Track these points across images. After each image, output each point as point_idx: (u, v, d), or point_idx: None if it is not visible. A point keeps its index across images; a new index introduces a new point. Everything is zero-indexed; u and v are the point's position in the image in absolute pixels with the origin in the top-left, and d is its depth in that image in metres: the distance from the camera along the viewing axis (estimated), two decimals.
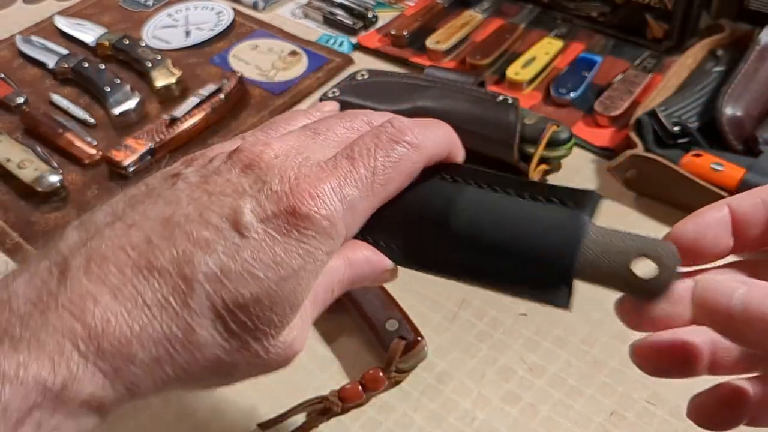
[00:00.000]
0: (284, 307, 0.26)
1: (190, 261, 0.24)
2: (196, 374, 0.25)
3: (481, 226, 0.28)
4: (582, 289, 0.48)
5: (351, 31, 0.72)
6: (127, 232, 0.25)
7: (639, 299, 0.26)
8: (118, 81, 0.65)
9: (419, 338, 0.41)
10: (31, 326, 0.23)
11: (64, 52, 0.70)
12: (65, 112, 0.64)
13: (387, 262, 0.30)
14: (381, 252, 0.29)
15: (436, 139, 0.30)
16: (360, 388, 0.40)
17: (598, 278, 0.27)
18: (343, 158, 0.27)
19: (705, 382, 0.40)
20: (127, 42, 0.69)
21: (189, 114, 0.60)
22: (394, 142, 0.28)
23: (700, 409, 0.28)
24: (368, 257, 0.29)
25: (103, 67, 0.67)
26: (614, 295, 0.47)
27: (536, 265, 0.27)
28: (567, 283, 0.27)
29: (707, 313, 0.24)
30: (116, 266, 0.24)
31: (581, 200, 0.27)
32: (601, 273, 0.26)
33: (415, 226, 0.29)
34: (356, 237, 0.29)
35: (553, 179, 0.53)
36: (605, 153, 0.55)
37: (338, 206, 0.26)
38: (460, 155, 0.32)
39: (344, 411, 0.41)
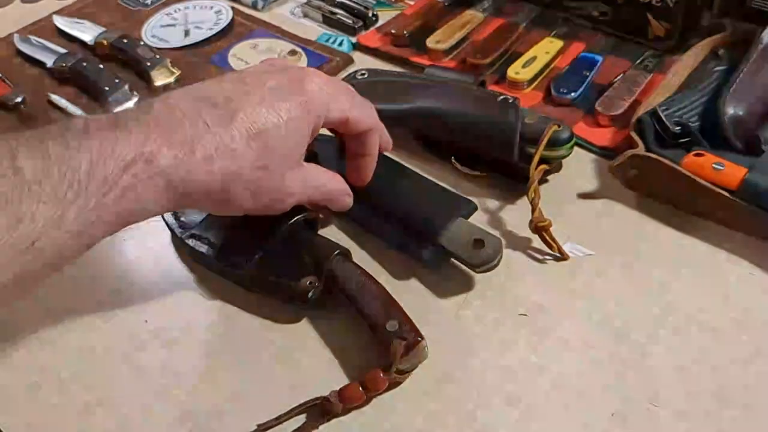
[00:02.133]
0: (290, 145, 0.41)
1: (235, 99, 0.40)
2: (231, 183, 0.39)
3: (402, 202, 0.49)
4: (583, 291, 0.48)
5: (351, 30, 0.71)
6: (198, 86, 0.41)
7: (472, 269, 0.45)
8: (117, 80, 0.65)
9: (419, 339, 0.41)
10: (134, 124, 0.37)
11: (63, 51, 0.69)
12: (64, 112, 0.64)
13: (349, 190, 0.48)
14: None
15: (378, 122, 0.48)
16: (360, 388, 0.40)
17: (452, 245, 0.45)
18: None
19: (705, 383, 0.40)
20: (126, 41, 0.69)
21: None
22: (367, 102, 0.47)
23: None
24: (342, 182, 0.47)
25: (101, 66, 0.67)
26: (613, 297, 0.47)
27: (420, 232, 0.47)
28: (434, 243, 0.46)
29: None
30: (187, 99, 0.39)
31: (465, 205, 0.49)
32: (454, 242, 0.45)
33: (368, 189, 0.49)
34: None
35: (553, 179, 0.53)
36: (606, 153, 0.55)
37: (326, 93, 0.42)
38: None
39: (344, 412, 0.40)
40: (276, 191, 0.41)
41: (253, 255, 0.46)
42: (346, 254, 0.46)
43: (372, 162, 0.49)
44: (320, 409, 0.40)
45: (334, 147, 0.54)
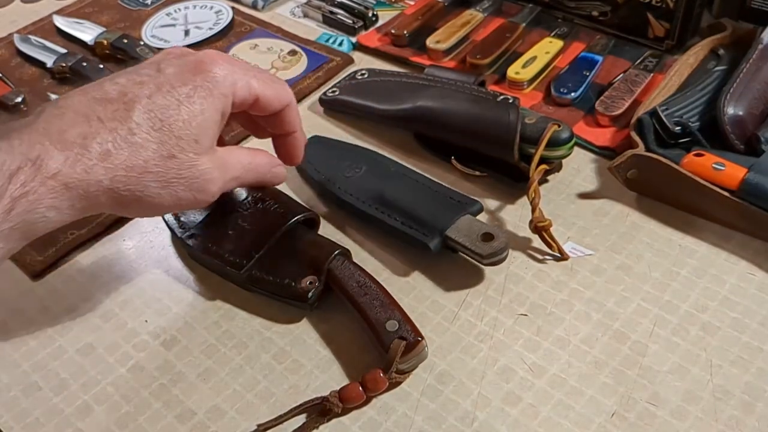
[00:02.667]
0: (197, 129, 0.38)
1: (130, 91, 0.38)
2: (138, 177, 0.37)
3: (410, 198, 0.49)
4: (583, 291, 0.48)
5: (351, 30, 0.71)
6: (91, 85, 0.39)
7: (480, 261, 0.45)
8: None
9: (419, 339, 0.41)
10: (17, 133, 0.36)
11: (63, 51, 0.70)
12: None
13: (278, 161, 0.46)
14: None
15: (292, 96, 0.45)
16: (360, 388, 0.40)
17: (461, 236, 0.45)
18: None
19: (705, 383, 0.40)
20: (126, 41, 0.69)
21: None
22: (275, 77, 0.44)
23: None
24: (268, 155, 0.46)
25: (101, 66, 0.67)
26: (613, 297, 0.47)
27: (428, 223, 0.47)
28: (441, 234, 0.46)
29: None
30: (79, 99, 0.38)
31: (471, 204, 0.49)
32: (462, 234, 0.46)
33: (375, 188, 0.51)
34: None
35: (553, 179, 0.53)
36: (606, 153, 0.55)
37: (230, 72, 0.40)
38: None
39: (344, 412, 0.40)
40: (192, 180, 0.39)
41: (253, 255, 0.46)
42: (346, 254, 0.46)
43: (299, 139, 0.47)
44: (320, 409, 0.40)
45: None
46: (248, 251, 0.47)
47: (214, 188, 0.41)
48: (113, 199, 0.37)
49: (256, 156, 0.44)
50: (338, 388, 0.41)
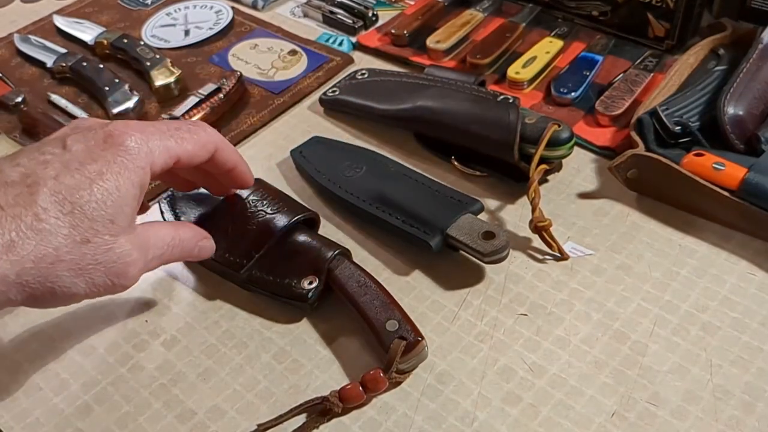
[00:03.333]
0: (112, 208, 0.35)
1: (33, 173, 0.35)
2: (50, 268, 0.34)
3: (410, 197, 0.50)
4: (583, 291, 0.48)
5: (351, 30, 0.71)
6: None
7: (481, 259, 0.45)
8: (117, 80, 0.65)
9: (419, 338, 0.41)
10: None
11: (63, 51, 0.70)
12: (64, 112, 0.64)
13: (205, 233, 0.44)
14: None
15: (217, 137, 0.42)
16: (360, 388, 0.40)
17: (462, 235, 0.46)
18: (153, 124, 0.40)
19: (705, 383, 0.40)
20: (126, 41, 0.69)
21: (188, 113, 0.60)
22: (194, 127, 0.41)
23: None
24: (193, 227, 0.44)
25: (101, 66, 0.67)
26: (613, 297, 0.47)
27: (429, 222, 0.47)
28: (442, 233, 0.46)
29: None
30: None
31: (472, 203, 0.49)
32: (464, 233, 0.46)
33: (376, 188, 0.52)
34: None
35: (553, 179, 0.53)
36: (606, 153, 0.55)
37: (144, 140, 0.37)
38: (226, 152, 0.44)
39: (344, 411, 0.40)
40: (110, 264, 0.36)
41: (253, 255, 0.46)
42: (346, 254, 0.46)
43: (244, 166, 0.45)
44: (320, 409, 0.40)
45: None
46: (248, 251, 0.47)
47: (133, 271, 0.37)
48: (24, 293, 0.34)
49: (179, 230, 0.42)
50: (338, 388, 0.41)
